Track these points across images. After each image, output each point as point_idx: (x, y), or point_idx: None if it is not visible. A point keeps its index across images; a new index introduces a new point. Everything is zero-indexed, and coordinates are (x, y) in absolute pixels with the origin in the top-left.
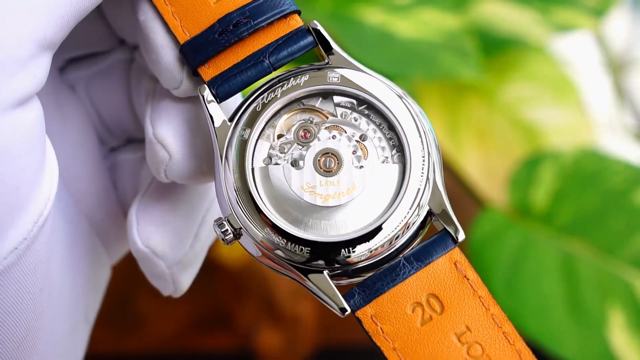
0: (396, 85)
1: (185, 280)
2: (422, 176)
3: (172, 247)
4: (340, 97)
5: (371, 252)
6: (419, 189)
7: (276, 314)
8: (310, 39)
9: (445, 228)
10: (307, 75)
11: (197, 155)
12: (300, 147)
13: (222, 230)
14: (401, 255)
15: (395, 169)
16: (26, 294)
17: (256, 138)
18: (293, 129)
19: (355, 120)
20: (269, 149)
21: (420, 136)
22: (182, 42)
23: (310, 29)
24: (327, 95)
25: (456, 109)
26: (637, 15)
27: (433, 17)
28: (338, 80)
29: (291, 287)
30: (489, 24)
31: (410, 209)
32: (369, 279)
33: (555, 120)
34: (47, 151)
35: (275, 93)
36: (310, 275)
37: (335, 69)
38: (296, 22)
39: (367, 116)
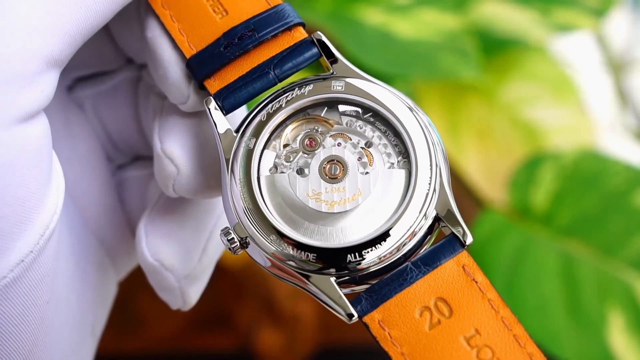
0: (405, 96)
1: (193, 293)
2: (429, 181)
3: (181, 261)
4: (346, 105)
5: (380, 258)
6: (426, 194)
7: (276, 314)
8: (314, 50)
9: (452, 232)
10: (312, 86)
11: (205, 169)
12: (305, 155)
13: (229, 239)
14: (409, 261)
15: (401, 174)
16: (33, 307)
17: (262, 147)
18: (298, 138)
19: (361, 127)
20: (275, 159)
21: (426, 141)
22: (188, 56)
23: (315, 40)
24: (332, 104)
25: (456, 109)
26: (637, 15)
27: (433, 18)
28: (342, 88)
29: (291, 287)
30: (489, 24)
31: (417, 214)
32: (376, 285)
33: (555, 119)
34: (54, 165)
35: (280, 103)
36: (313, 277)
37: (340, 79)
38: (300, 34)
39: (373, 123)
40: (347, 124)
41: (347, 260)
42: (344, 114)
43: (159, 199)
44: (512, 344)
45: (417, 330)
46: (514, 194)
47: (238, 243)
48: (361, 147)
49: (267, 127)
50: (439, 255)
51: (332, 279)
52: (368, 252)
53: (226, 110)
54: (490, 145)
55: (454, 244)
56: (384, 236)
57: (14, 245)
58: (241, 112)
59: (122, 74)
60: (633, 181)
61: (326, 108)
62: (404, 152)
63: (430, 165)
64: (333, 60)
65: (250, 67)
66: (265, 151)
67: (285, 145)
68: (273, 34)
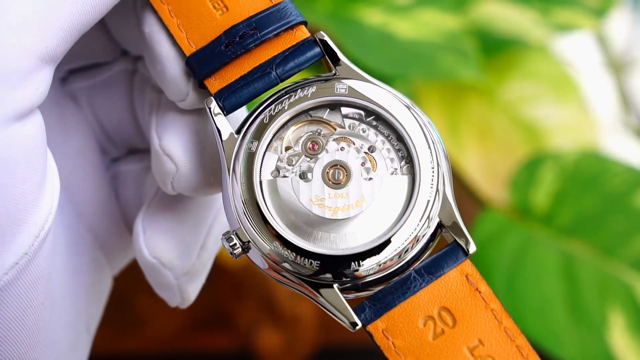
0: (403, 95)
1: (192, 290)
2: (431, 187)
3: (179, 258)
4: (348, 108)
5: (380, 265)
6: (428, 201)
7: (276, 314)
8: (317, 50)
9: (455, 240)
10: (315, 87)
11: (204, 167)
12: (308, 159)
13: (231, 244)
14: (411, 268)
15: (404, 180)
16: (28, 309)
17: (264, 151)
18: (301, 141)
19: (364, 131)
20: (277, 162)
21: (429, 147)
22: (188, 54)
23: (317, 39)
24: (334, 106)
25: (456, 109)
26: (638, 15)
27: (433, 18)
28: (346, 91)
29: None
30: (489, 24)
31: (420, 221)
32: (380, 292)
33: (556, 119)
34: (49, 164)
35: (283, 105)
36: (321, 290)
37: (343, 80)
38: (303, 33)
39: (376, 127)
40: (349, 127)
41: (350, 268)
42: (346, 116)
43: (155, 194)
44: (514, 354)
45: (421, 340)
46: (515, 193)
47: (240, 248)
48: (364, 152)
49: (269, 129)
50: (442, 264)
51: (336, 286)
52: (367, 259)
53: (227, 110)
54: (490, 145)
55: (457, 252)
56: (385, 243)
57: (8, 247)
58: (241, 112)
59: (117, 66)
60: (633, 182)
61: (328, 110)
62: (407, 157)
63: (433, 173)
64: (336, 61)
65: (252, 67)
66: (267, 153)
67: (287, 148)
68: (275, 32)
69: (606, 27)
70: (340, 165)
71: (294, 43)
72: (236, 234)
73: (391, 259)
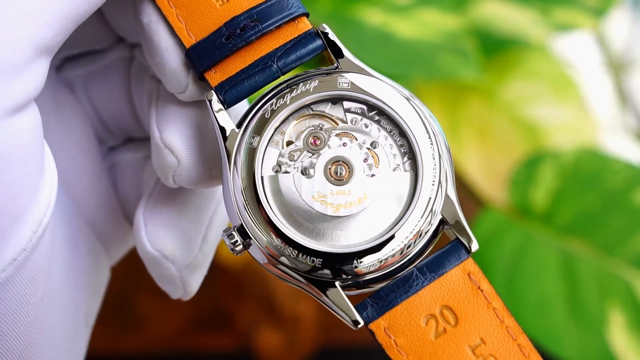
0: (404, 88)
1: (194, 282)
2: (433, 184)
3: (182, 250)
4: (351, 102)
5: (381, 262)
6: (430, 198)
7: (276, 314)
8: (319, 42)
9: (458, 238)
10: (317, 81)
11: (205, 160)
12: (310, 154)
13: (232, 241)
14: (414, 266)
15: (406, 177)
16: (26, 305)
17: (265, 146)
18: (302, 135)
19: (366, 126)
20: (278, 157)
21: (430, 141)
22: (187, 46)
23: (320, 32)
24: (336, 100)
25: (456, 108)
26: (637, 15)
27: (433, 18)
28: (348, 85)
29: (291, 287)
30: (489, 24)
31: (421, 217)
32: (382, 291)
33: (555, 118)
34: (46, 157)
35: (285, 99)
36: (327, 291)
37: (345, 74)
38: (305, 25)
39: (378, 122)
40: (352, 121)
41: (351, 265)
42: (348, 110)
43: (155, 185)
44: (516, 353)
45: (423, 339)
46: (514, 192)
47: (242, 245)
48: (367, 148)
49: (270, 124)
50: (444, 262)
51: (338, 284)
52: (367, 256)
53: (228, 104)
54: (490, 144)
55: (459, 249)
56: (387, 241)
57: (6, 244)
58: (242, 104)
59: (114, 54)
60: (633, 180)
61: (330, 104)
62: (409, 153)
63: (434, 167)
64: (340, 56)
65: (253, 60)
66: (268, 148)
67: (288, 143)
68: (277, 24)
69: (606, 27)
70: (342, 162)
71: (296, 35)
72: (237, 230)
73: (392, 256)
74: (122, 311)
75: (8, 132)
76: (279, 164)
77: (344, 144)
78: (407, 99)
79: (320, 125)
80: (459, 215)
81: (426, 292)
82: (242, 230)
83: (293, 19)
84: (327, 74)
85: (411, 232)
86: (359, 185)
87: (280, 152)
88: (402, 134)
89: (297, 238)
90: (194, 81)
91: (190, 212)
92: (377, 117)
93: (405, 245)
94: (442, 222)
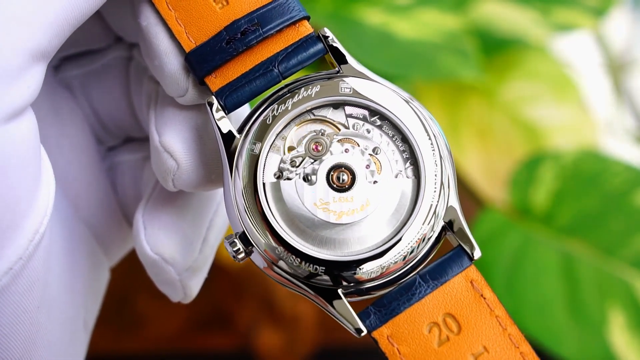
0: (403, 90)
1: (194, 285)
2: (435, 191)
3: (182, 253)
4: (352, 107)
5: (383, 269)
6: (432, 205)
7: (276, 314)
8: (320, 46)
9: (460, 245)
10: (319, 86)
11: (205, 163)
12: (312, 160)
13: (234, 249)
14: (416, 273)
15: (409, 183)
16: (23, 314)
17: (266, 152)
18: (304, 141)
19: (368, 132)
20: (280, 163)
21: (431, 144)
22: (187, 49)
23: (321, 36)
24: (338, 105)
25: (456, 109)
26: (637, 15)
27: (433, 18)
28: (350, 91)
29: None
30: (489, 24)
31: (424, 224)
32: (385, 298)
33: (556, 119)
34: (43, 163)
35: (286, 105)
36: (334, 302)
37: (347, 79)
38: (306, 28)
39: (380, 127)
40: (353, 126)
41: (351, 272)
42: (350, 116)
43: (154, 188)
44: None
45: (426, 347)
46: (514, 193)
47: (244, 252)
48: (369, 154)
49: (272, 130)
50: (447, 269)
51: (340, 291)
52: (368, 262)
53: (228, 109)
54: (490, 144)
55: (461, 257)
56: (389, 248)
57: (2, 252)
58: (243, 108)
59: (112, 53)
60: (633, 181)
61: (332, 109)
62: (411, 159)
63: (436, 173)
64: (341, 59)
65: (254, 64)
66: (270, 154)
67: (290, 148)
68: (278, 28)
69: (606, 27)
70: (344, 168)
71: (297, 39)
72: (239, 237)
73: (395, 263)
74: (122, 311)
75: (3, 139)
76: (281, 170)
77: (346, 150)
78: (407, 102)
79: (322, 131)
80: (461, 223)
81: (429, 300)
82: (244, 237)
83: (294, 23)
84: (329, 78)
85: (414, 238)
86: (361, 192)
87: (281, 158)
88: (404, 139)
89: (300, 246)
90: (193, 85)
91: (190, 214)
92: (379, 122)
93: (407, 251)
94: (445, 228)
